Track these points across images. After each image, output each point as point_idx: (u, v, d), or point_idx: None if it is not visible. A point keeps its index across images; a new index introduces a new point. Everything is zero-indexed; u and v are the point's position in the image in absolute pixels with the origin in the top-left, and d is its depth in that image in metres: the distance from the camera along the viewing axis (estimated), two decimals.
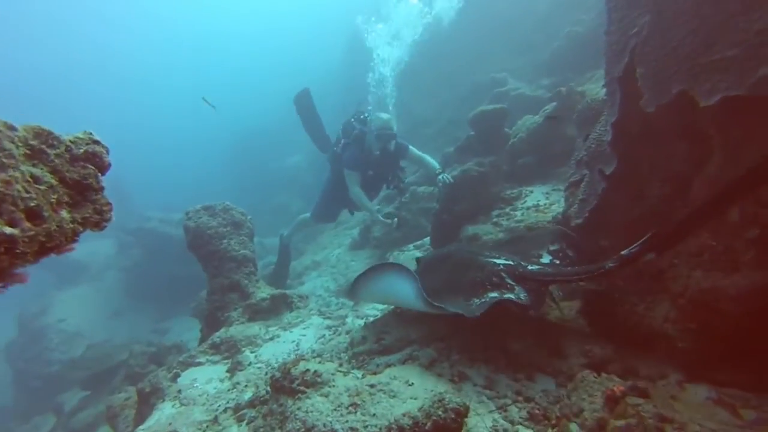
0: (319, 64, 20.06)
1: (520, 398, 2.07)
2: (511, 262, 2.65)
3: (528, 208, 3.88)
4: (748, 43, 1.32)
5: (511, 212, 3.90)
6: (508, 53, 8.62)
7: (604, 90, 2.18)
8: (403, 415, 1.77)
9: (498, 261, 2.68)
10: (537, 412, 1.92)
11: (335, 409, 2.02)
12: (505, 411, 1.98)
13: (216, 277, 3.90)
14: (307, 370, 2.27)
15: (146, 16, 38.56)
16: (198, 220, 3.98)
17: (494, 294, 2.64)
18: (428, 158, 4.95)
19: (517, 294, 2.45)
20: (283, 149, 16.87)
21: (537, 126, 4.25)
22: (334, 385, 2.22)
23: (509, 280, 2.57)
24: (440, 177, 4.35)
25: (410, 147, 5.04)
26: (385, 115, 4.75)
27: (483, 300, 2.53)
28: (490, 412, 2.00)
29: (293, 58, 26.92)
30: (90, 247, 11.79)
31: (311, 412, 2.04)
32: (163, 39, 40.02)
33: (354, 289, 2.72)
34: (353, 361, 2.80)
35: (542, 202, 3.91)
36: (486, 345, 2.60)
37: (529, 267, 2.61)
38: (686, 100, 1.61)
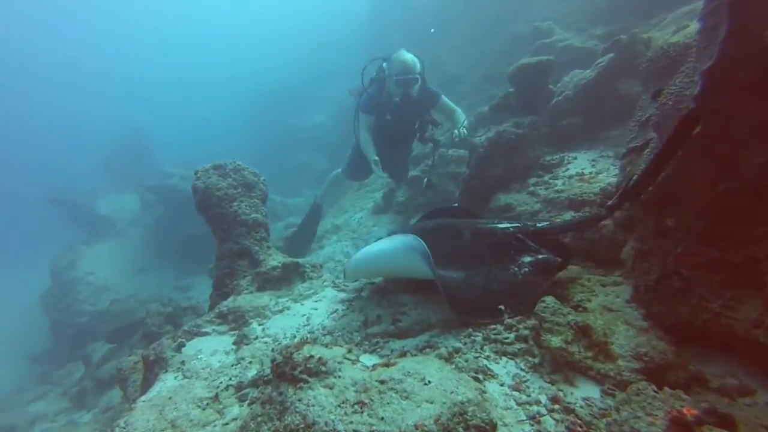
0: (345, 19, 19.07)
1: (557, 407, 1.73)
2: (518, 224, 2.66)
3: (570, 177, 3.41)
4: None
5: (551, 181, 3.44)
6: None
7: (698, 26, 1.66)
8: (416, 427, 1.48)
9: (502, 225, 2.68)
10: (579, 429, 1.58)
11: (339, 406, 1.75)
12: (539, 423, 1.66)
13: (225, 241, 3.66)
14: (311, 356, 2.00)
15: None
16: (207, 180, 3.71)
17: (528, 258, 2.43)
18: (459, 112, 4.51)
19: (546, 254, 2.44)
20: (306, 107, 16.38)
21: (587, 82, 3.66)
22: (340, 376, 1.94)
23: (530, 242, 2.54)
24: (455, 132, 4.03)
25: (442, 97, 4.60)
26: (406, 57, 4.32)
27: (522, 269, 2.44)
28: (520, 422, 1.68)
29: (318, 16, 25.77)
30: (115, 202, 11.99)
31: (313, 405, 1.77)
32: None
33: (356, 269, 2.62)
34: (365, 343, 2.53)
35: (588, 170, 3.42)
36: (519, 335, 2.27)
37: (538, 224, 2.65)
38: None
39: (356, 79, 4.94)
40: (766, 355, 1.53)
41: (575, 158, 3.58)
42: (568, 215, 3.02)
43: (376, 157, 4.44)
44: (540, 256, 2.40)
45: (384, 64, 4.64)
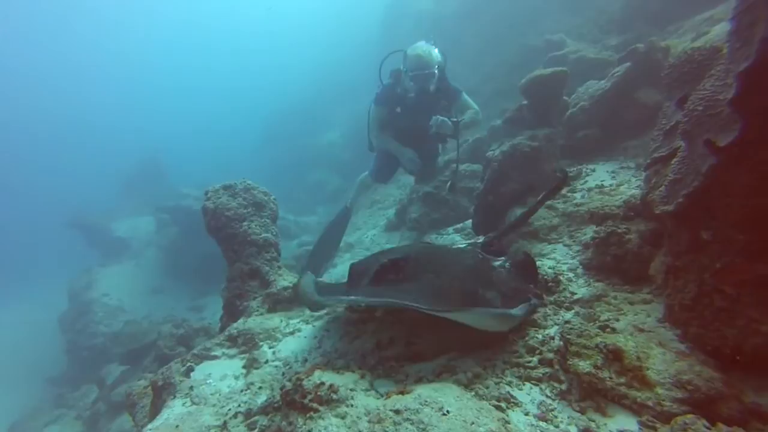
0: (355, 36, 19.40)
1: None
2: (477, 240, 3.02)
3: (590, 190, 3.27)
4: None
5: (569, 194, 3.30)
6: (565, 11, 7.57)
7: (729, 26, 1.56)
8: None
9: (465, 243, 3.06)
10: None
11: None
12: None
13: (235, 262, 3.60)
14: (322, 383, 1.89)
15: None
16: (217, 200, 3.68)
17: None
18: (473, 112, 4.40)
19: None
20: (318, 126, 16.57)
21: (603, 92, 3.55)
22: (352, 405, 1.83)
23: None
24: (433, 119, 4.09)
25: (463, 94, 4.50)
26: (423, 51, 4.21)
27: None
28: None
29: (328, 31, 26.31)
30: (132, 224, 12.16)
31: None
32: (201, 16, 40.45)
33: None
34: (380, 367, 2.39)
35: (607, 182, 3.28)
36: (543, 358, 2.12)
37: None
38: None
39: (369, 97, 4.90)
40: None
41: (594, 170, 3.45)
42: (590, 230, 2.88)
43: (410, 153, 4.37)
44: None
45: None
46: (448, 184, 4.56)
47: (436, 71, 4.24)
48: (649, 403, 1.68)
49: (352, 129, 13.40)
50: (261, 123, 21.73)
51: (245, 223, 3.66)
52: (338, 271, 6.30)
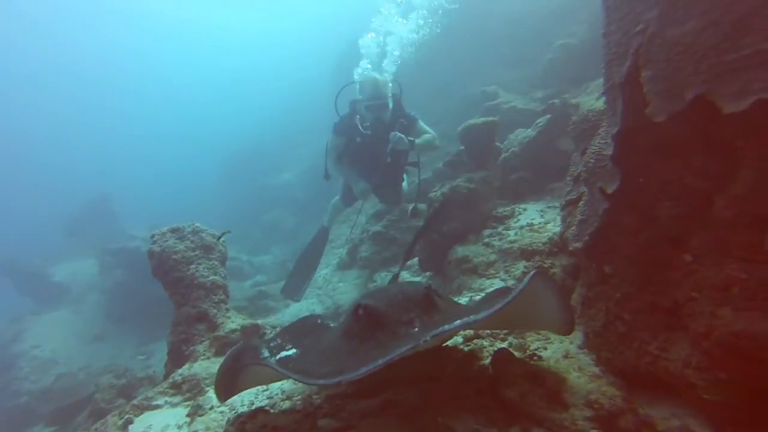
0: (311, 79, 20.02)
1: None
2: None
3: (522, 227, 3.59)
4: None
5: (504, 232, 3.60)
6: (500, 66, 8.45)
7: (604, 98, 1.90)
8: None
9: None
10: None
11: None
12: None
13: (182, 306, 3.56)
14: (264, 425, 1.94)
15: (138, 32, 38.51)
16: (164, 243, 3.66)
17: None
18: (429, 136, 4.54)
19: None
20: (275, 165, 16.65)
21: (530, 140, 3.98)
22: None
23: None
24: (392, 135, 4.14)
25: (419, 120, 4.63)
26: (376, 79, 4.35)
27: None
28: None
29: (285, 72, 26.96)
30: (73, 267, 11.40)
31: None
32: (156, 53, 40.05)
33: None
34: (326, 405, 2.45)
35: (537, 220, 3.61)
36: (478, 388, 2.27)
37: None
38: (705, 106, 1.33)
39: (324, 138, 5.06)
40: (698, 393, 1.60)
41: (525, 209, 3.79)
42: (522, 265, 3.15)
43: (363, 184, 4.40)
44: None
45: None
46: (411, 207, 4.68)
47: (390, 101, 4.41)
48: (566, 423, 1.86)
49: (308, 169, 13.62)
50: (218, 164, 21.52)
51: (193, 266, 3.65)
52: (291, 311, 6.27)
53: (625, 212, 1.97)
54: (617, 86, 1.75)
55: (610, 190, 1.96)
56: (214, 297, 3.61)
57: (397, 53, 6.22)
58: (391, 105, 4.48)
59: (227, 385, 1.98)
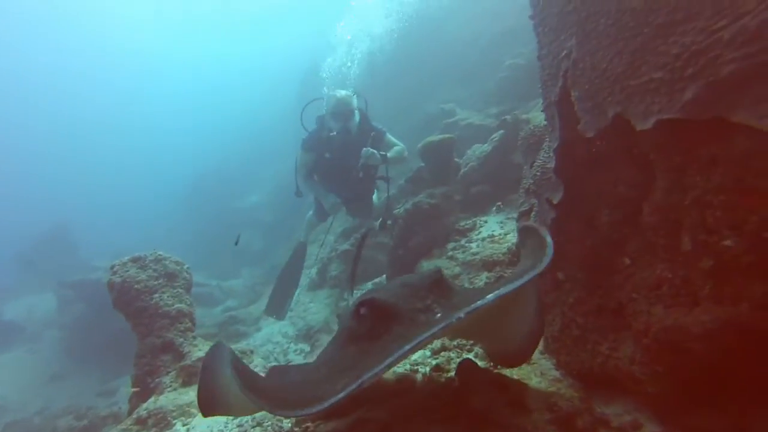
0: (273, 101, 20.08)
1: None
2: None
3: (483, 239, 3.71)
4: (670, 66, 1.19)
5: (467, 244, 3.72)
6: (457, 84, 8.83)
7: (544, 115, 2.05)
8: None
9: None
10: None
11: None
12: None
13: (146, 336, 3.46)
14: None
15: (107, 59, 37.58)
16: (125, 273, 3.57)
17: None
18: (399, 148, 4.60)
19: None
20: (242, 188, 16.47)
21: (487, 154, 4.16)
22: None
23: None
24: (364, 151, 4.18)
25: (387, 133, 4.69)
26: (342, 92, 4.44)
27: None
28: None
29: (247, 96, 26.87)
30: (27, 304, 10.78)
31: None
32: (116, 80, 39.11)
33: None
34: (296, 429, 2.44)
35: (497, 232, 3.75)
36: (446, 400, 2.32)
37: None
38: (625, 123, 1.48)
39: (291, 157, 5.06)
40: (644, 387, 1.71)
41: (486, 222, 3.94)
42: (484, 276, 3.25)
43: (334, 199, 4.41)
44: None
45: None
46: (379, 221, 4.70)
47: (356, 110, 4.47)
48: (529, 428, 1.93)
49: (275, 191, 13.56)
50: (183, 190, 21.01)
51: (156, 295, 3.57)
52: (262, 335, 6.17)
53: (571, 221, 2.11)
54: (553, 104, 1.90)
55: (555, 201, 2.09)
56: (179, 325, 3.54)
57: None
58: (357, 118, 4.55)
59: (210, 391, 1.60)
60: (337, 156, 4.59)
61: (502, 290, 1.30)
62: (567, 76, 1.72)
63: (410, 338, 1.17)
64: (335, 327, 4.85)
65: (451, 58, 9.34)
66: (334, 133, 4.44)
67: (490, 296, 1.27)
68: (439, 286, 1.64)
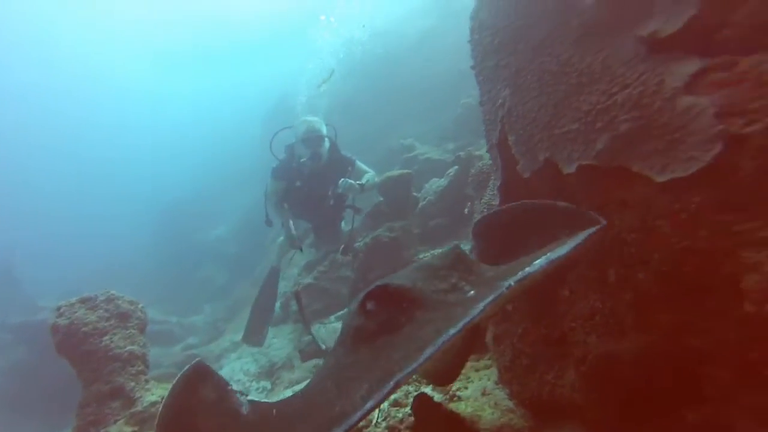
0: (237, 136, 20.08)
1: None
2: None
3: None
4: (584, 119, 1.35)
5: None
6: (418, 119, 9.19)
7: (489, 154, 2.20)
8: None
9: None
10: None
11: None
12: None
13: (92, 383, 3.28)
14: None
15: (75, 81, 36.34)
16: (72, 315, 3.40)
17: None
18: (371, 175, 4.65)
19: None
20: (205, 221, 16.09)
21: (443, 189, 4.34)
22: None
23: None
24: (341, 182, 4.22)
25: (357, 162, 4.75)
26: (312, 117, 4.51)
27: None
28: None
29: (210, 130, 26.73)
30: None
31: None
32: (76, 110, 37.89)
33: None
34: None
35: None
36: None
37: None
38: (554, 166, 1.62)
39: (254, 188, 5.04)
40: (586, 414, 1.80)
41: None
42: None
43: (294, 234, 4.38)
44: None
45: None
46: (341, 247, 4.69)
47: (326, 137, 4.51)
48: None
49: (240, 223, 13.35)
50: (148, 220, 20.27)
51: (107, 338, 3.41)
52: (225, 372, 5.91)
53: None
54: (495, 146, 2.05)
55: None
56: (131, 369, 3.38)
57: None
58: (327, 145, 4.60)
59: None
60: (308, 184, 4.61)
61: (552, 255, 1.14)
62: (504, 122, 1.87)
63: (453, 317, 0.95)
64: (298, 363, 4.76)
65: (410, 95, 9.80)
66: (305, 159, 4.44)
67: (539, 260, 1.10)
68: (462, 261, 1.40)
